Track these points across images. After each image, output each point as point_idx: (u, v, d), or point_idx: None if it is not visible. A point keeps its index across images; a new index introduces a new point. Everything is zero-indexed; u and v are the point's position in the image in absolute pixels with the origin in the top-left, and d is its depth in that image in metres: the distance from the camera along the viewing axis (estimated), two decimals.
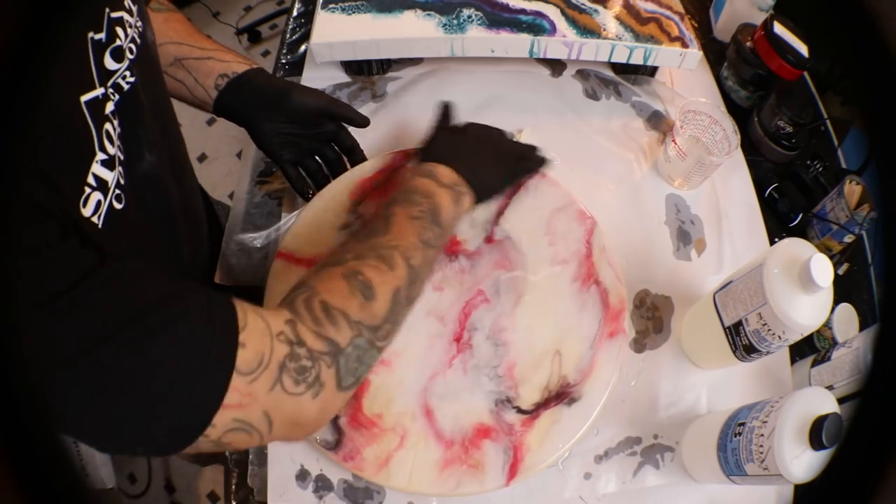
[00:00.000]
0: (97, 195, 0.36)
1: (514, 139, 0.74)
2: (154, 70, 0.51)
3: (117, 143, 0.40)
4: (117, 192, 0.39)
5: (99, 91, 0.38)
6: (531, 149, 0.64)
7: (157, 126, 0.50)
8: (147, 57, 0.48)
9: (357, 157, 0.68)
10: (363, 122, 0.64)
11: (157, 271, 0.34)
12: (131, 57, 0.44)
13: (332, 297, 0.39)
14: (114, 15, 0.42)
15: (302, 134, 0.63)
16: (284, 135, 0.62)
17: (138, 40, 0.46)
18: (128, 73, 0.43)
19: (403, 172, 0.51)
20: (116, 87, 0.42)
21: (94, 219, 0.36)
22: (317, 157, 0.67)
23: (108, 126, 0.38)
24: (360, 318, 0.40)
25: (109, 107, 0.39)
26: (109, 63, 0.41)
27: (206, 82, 0.61)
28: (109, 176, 0.38)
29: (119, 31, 0.43)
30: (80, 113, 0.35)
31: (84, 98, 0.36)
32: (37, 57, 0.23)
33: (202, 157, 1.97)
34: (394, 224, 0.45)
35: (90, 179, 0.36)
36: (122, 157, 0.40)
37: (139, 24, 0.46)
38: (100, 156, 0.37)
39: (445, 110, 0.62)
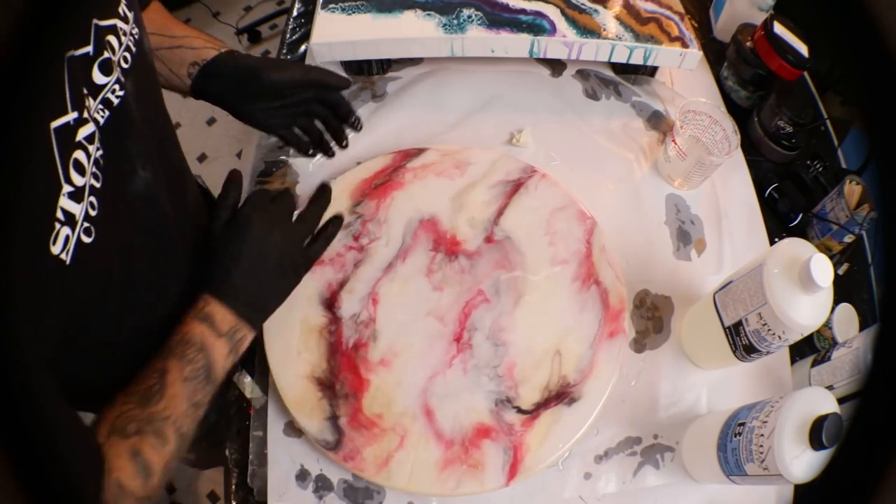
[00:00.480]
0: (66, 230, 0.35)
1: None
2: (150, 79, 0.50)
3: (91, 170, 0.38)
4: (86, 224, 0.37)
5: (71, 116, 0.36)
6: (317, 229, 0.60)
7: (153, 138, 0.48)
8: (143, 66, 0.47)
9: (342, 110, 0.67)
10: (342, 84, 0.64)
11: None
12: (125, 66, 0.43)
13: (123, 477, 0.43)
14: (103, 23, 0.40)
15: (284, 104, 0.63)
16: (266, 110, 0.63)
17: (133, 49, 0.44)
18: (117, 87, 0.42)
19: (191, 313, 0.49)
20: (106, 102, 0.40)
21: (63, 255, 0.35)
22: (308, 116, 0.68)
23: (78, 154, 0.36)
24: (141, 496, 0.44)
25: (84, 131, 0.37)
26: (98, 77, 0.39)
27: (179, 71, 0.60)
28: (77, 209, 0.36)
29: (111, 40, 0.41)
30: (47, 142, 0.34)
31: (54, 125, 0.34)
32: (7, 83, 0.22)
33: (202, 157, 1.97)
34: (167, 388, 0.46)
35: (59, 214, 0.34)
36: (96, 185, 0.38)
37: (135, 31, 0.45)
38: (66, 188, 0.35)
39: (229, 186, 0.57)
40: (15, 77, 0.23)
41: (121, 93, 0.42)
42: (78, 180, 0.36)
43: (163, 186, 0.50)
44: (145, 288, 0.50)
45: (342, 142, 0.70)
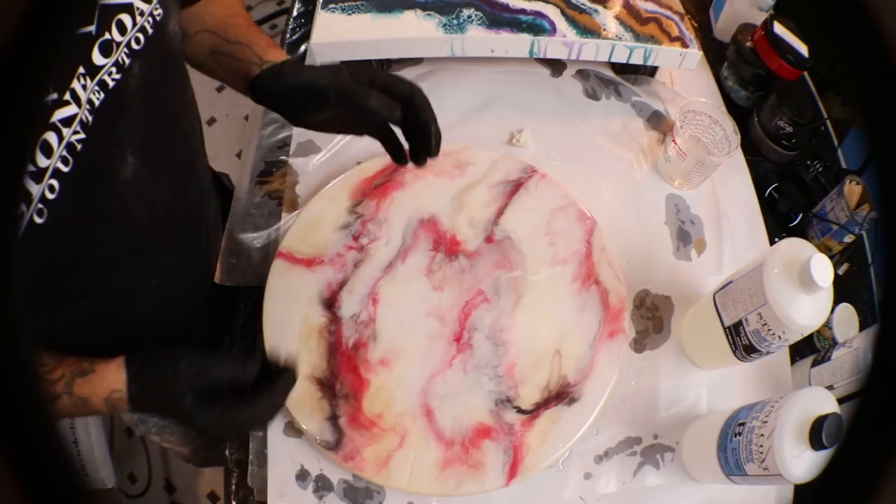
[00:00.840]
0: (20, 207, 0.34)
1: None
2: (169, 63, 0.48)
3: (60, 153, 0.37)
4: (40, 206, 0.37)
5: (49, 97, 0.35)
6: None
7: (157, 125, 0.47)
8: (161, 49, 0.45)
9: (426, 138, 0.53)
10: (375, 108, 0.50)
11: None
12: (136, 48, 0.42)
13: None
14: (115, 1, 0.39)
15: (343, 118, 0.55)
16: (323, 124, 0.55)
17: (150, 31, 0.43)
18: (114, 70, 0.40)
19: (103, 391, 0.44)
20: (102, 84, 0.39)
21: None
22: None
23: (48, 135, 0.36)
24: None
25: (62, 113, 0.37)
26: (97, 58, 0.39)
27: (234, 82, 0.57)
28: (35, 189, 0.36)
29: (123, 19, 0.40)
30: None
31: None
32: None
33: None
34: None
35: None
36: (63, 169, 0.38)
37: (158, 11, 0.44)
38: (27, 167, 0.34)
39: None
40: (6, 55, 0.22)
41: (118, 76, 0.41)
42: (42, 161, 0.36)
43: (157, 176, 0.49)
44: (117, 275, 0.49)
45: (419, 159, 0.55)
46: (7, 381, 0.19)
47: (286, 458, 0.57)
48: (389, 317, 0.61)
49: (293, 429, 0.58)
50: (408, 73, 0.81)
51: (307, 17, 0.88)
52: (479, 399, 0.58)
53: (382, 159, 0.71)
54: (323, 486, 0.56)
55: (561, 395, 0.58)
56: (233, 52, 0.55)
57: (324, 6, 0.74)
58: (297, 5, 0.90)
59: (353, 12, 0.73)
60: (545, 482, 0.57)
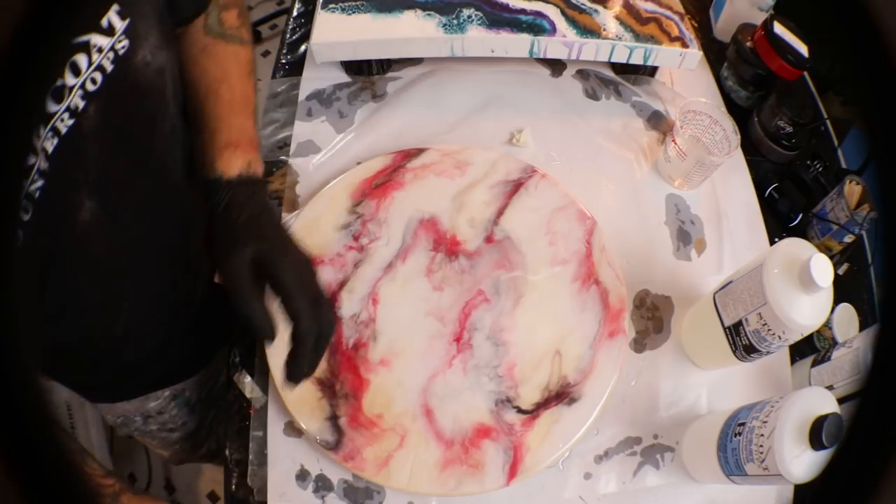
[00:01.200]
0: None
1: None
2: (135, 98, 0.45)
3: (21, 204, 0.35)
4: None
5: None
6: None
7: (122, 164, 0.45)
8: (124, 85, 0.42)
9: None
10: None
11: None
12: (91, 89, 0.39)
13: None
14: (71, 42, 0.37)
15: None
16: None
17: (109, 68, 0.40)
18: (66, 115, 0.38)
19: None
20: (54, 130, 0.37)
21: None
22: None
23: None
24: None
25: None
26: (49, 105, 0.36)
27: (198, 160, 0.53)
28: None
29: (79, 60, 0.37)
30: None
31: None
32: None
33: None
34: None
35: None
36: (24, 218, 0.37)
37: (122, 44, 0.41)
38: None
39: None
40: None
41: (70, 121, 0.39)
42: None
43: (118, 217, 0.46)
44: (80, 307, 0.48)
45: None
46: (7, 381, 0.19)
47: (286, 458, 0.57)
48: (389, 317, 0.61)
49: (293, 429, 0.58)
50: (408, 73, 0.81)
51: (307, 17, 0.88)
52: (479, 399, 0.58)
53: (382, 159, 0.71)
54: (323, 486, 0.56)
55: (561, 395, 0.58)
56: (201, 127, 0.52)
57: (324, 6, 0.74)
58: (297, 5, 0.90)
59: (353, 12, 0.73)
60: (545, 482, 0.57)
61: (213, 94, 0.52)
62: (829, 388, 0.58)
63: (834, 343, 0.64)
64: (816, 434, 0.43)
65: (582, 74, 0.82)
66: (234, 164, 0.49)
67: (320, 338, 0.47)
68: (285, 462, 0.57)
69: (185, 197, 0.57)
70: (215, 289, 0.67)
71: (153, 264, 0.55)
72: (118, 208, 0.46)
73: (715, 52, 0.87)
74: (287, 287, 0.46)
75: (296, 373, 0.46)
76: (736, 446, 0.49)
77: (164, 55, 0.47)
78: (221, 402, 0.72)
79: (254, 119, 0.54)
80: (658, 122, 0.79)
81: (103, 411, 0.70)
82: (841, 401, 0.50)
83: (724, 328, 0.56)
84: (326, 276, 0.63)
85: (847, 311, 0.68)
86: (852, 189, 0.68)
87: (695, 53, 0.72)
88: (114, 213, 0.46)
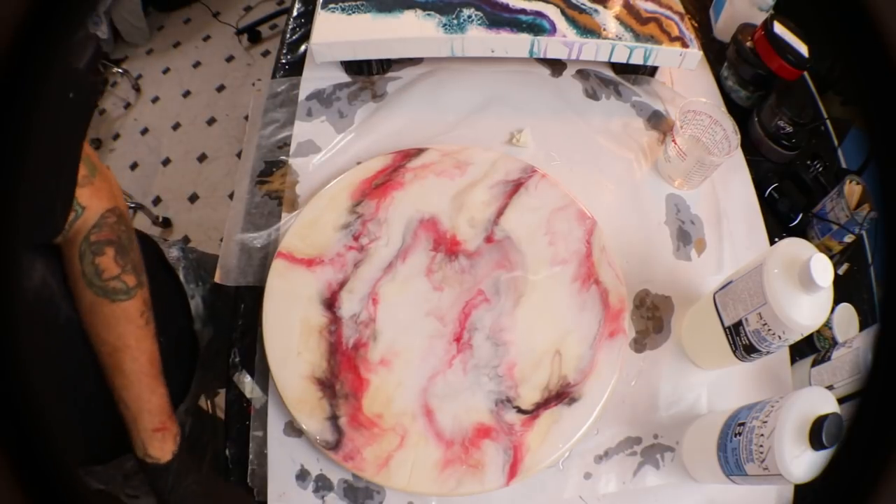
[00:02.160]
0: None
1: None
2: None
3: None
4: None
5: None
6: None
7: None
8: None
9: None
10: None
11: None
12: None
13: None
14: None
15: None
16: None
17: None
18: None
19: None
20: None
21: None
22: None
23: None
24: None
25: None
26: None
27: None
28: None
29: None
30: None
31: None
32: None
33: (202, 157, 1.97)
34: None
35: None
36: None
37: None
38: None
39: None
40: None
41: None
42: None
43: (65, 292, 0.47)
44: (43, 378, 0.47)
45: None
46: (7, 381, 0.19)
47: (286, 458, 0.57)
48: (389, 317, 0.61)
49: (293, 429, 0.58)
50: (408, 73, 0.81)
51: (307, 17, 0.88)
52: (479, 399, 0.58)
53: (382, 159, 0.71)
54: (323, 485, 0.56)
55: (561, 395, 0.58)
56: (118, 403, 0.51)
57: (324, 6, 0.74)
58: (297, 5, 0.90)
59: (353, 12, 0.73)
60: (545, 482, 0.57)
61: (118, 369, 0.50)
62: (829, 388, 0.58)
63: (834, 343, 0.64)
64: (816, 434, 0.43)
65: (582, 74, 0.82)
66: (167, 447, 0.51)
67: None
68: (285, 462, 0.57)
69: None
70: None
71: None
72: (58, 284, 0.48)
73: (715, 52, 0.87)
74: None
75: None
76: (736, 446, 0.49)
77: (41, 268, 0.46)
78: (197, 447, 0.71)
79: (162, 379, 0.52)
80: (658, 122, 0.79)
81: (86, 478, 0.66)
82: (841, 401, 0.50)
83: (724, 328, 0.56)
84: (326, 276, 0.63)
85: (847, 311, 0.68)
86: (852, 189, 0.68)
87: (695, 53, 0.72)
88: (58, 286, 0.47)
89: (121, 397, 0.50)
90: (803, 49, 0.76)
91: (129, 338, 0.50)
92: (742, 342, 0.54)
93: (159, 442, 0.51)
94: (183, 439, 0.54)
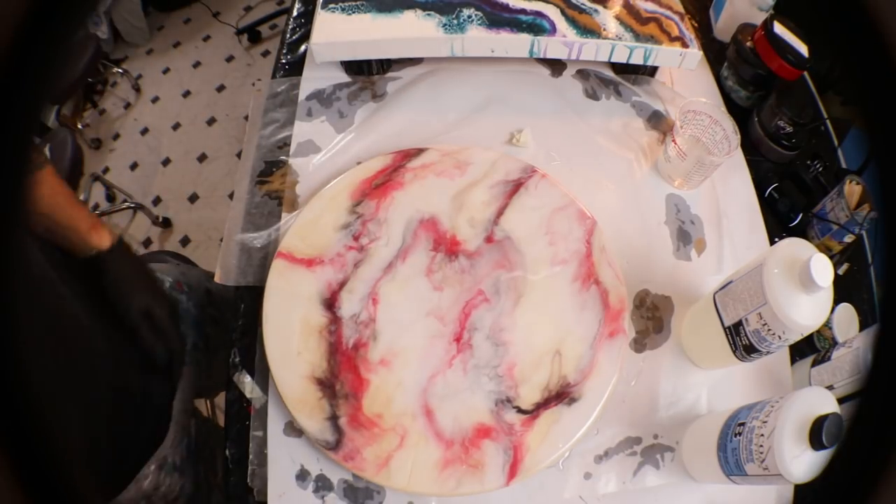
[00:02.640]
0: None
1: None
2: None
3: None
4: None
5: None
6: None
7: None
8: None
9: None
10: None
11: None
12: None
13: None
14: None
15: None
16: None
17: None
18: None
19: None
20: None
21: None
22: None
23: None
24: None
25: None
26: None
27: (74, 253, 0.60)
28: None
29: None
30: None
31: None
32: None
33: (202, 157, 1.97)
34: None
35: None
36: None
37: None
38: None
39: None
40: None
41: None
42: None
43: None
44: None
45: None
46: (7, 381, 0.19)
47: (286, 458, 0.57)
48: (389, 317, 0.61)
49: (293, 429, 0.58)
50: (408, 73, 0.81)
51: (307, 17, 0.88)
52: (479, 399, 0.58)
53: (382, 159, 0.71)
54: (323, 485, 0.56)
55: (561, 395, 0.58)
56: (63, 234, 0.58)
57: (324, 6, 0.74)
58: (297, 5, 0.90)
59: (353, 12, 0.73)
60: (545, 482, 0.57)
61: (43, 207, 0.57)
62: (829, 388, 0.58)
63: (834, 343, 0.64)
64: (816, 434, 0.43)
65: (582, 74, 0.82)
66: (104, 236, 0.60)
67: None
68: (285, 462, 0.57)
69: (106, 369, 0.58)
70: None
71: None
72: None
73: (715, 52, 0.87)
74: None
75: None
76: (736, 446, 0.49)
77: None
78: (205, 452, 0.72)
79: (79, 200, 0.61)
80: (658, 122, 0.79)
81: None
82: (841, 401, 0.50)
83: (724, 328, 0.56)
84: (326, 276, 0.63)
85: (847, 311, 0.68)
86: (852, 189, 0.68)
87: (695, 53, 0.72)
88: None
89: (53, 223, 0.57)
90: (803, 49, 0.76)
91: (60, 189, 0.59)
92: (742, 342, 0.54)
93: (97, 235, 0.59)
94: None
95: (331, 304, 0.62)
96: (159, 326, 0.62)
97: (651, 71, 0.81)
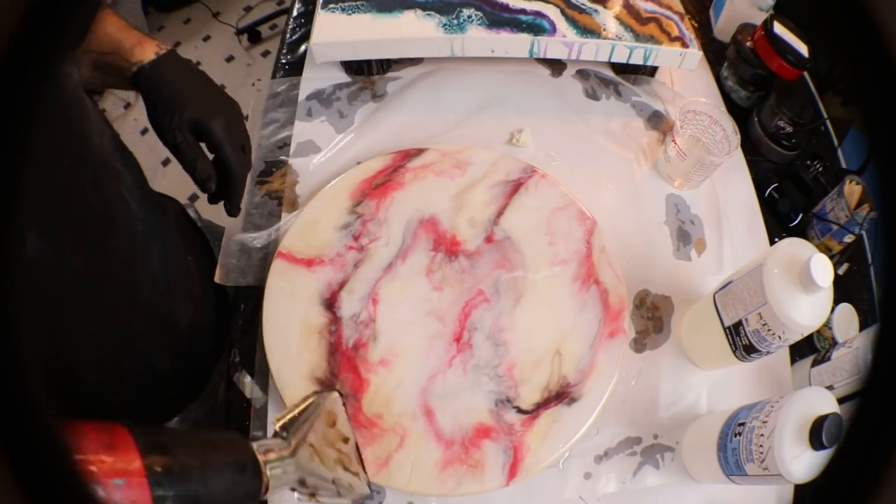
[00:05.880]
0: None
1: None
2: (57, 128, 0.42)
3: None
4: None
5: None
6: None
7: (55, 192, 0.42)
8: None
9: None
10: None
11: None
12: None
13: None
14: None
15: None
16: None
17: None
18: None
19: None
20: None
21: None
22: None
23: None
24: None
25: None
26: None
27: (124, 87, 0.56)
28: None
29: None
30: None
31: None
32: None
33: None
34: None
35: None
36: None
37: None
38: None
39: None
40: None
41: None
42: None
43: (60, 249, 0.44)
44: (40, 346, 0.45)
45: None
46: (7, 380, 0.19)
47: None
48: (389, 317, 0.61)
49: None
50: (408, 73, 0.81)
51: (307, 17, 0.88)
52: (479, 399, 0.58)
53: (382, 159, 0.71)
54: None
55: (561, 395, 0.58)
56: (107, 61, 0.55)
57: (324, 6, 0.74)
58: (297, 5, 0.90)
59: (353, 12, 0.73)
60: (545, 482, 0.57)
61: (105, 34, 0.55)
62: (829, 388, 0.58)
63: (834, 343, 0.64)
64: (816, 434, 0.43)
65: (582, 74, 0.82)
66: (148, 50, 0.55)
67: (244, 177, 0.58)
68: None
69: (132, 216, 0.54)
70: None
71: (110, 295, 0.52)
72: (62, 239, 0.44)
73: (715, 52, 0.87)
74: (216, 139, 0.55)
75: (235, 208, 0.59)
76: (736, 446, 0.49)
77: (76, 70, 0.46)
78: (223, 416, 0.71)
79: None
80: (658, 122, 0.79)
81: None
82: (841, 401, 0.50)
83: (724, 328, 0.56)
84: (326, 276, 0.63)
85: (847, 311, 0.68)
86: (852, 189, 0.68)
87: (695, 53, 0.72)
88: (54, 246, 0.44)
89: (106, 55, 0.54)
90: (803, 49, 0.76)
91: (112, 20, 0.56)
92: (742, 342, 0.54)
93: (140, 51, 0.55)
94: None
95: (331, 304, 0.62)
96: (216, 140, 0.55)
97: (651, 71, 0.81)
